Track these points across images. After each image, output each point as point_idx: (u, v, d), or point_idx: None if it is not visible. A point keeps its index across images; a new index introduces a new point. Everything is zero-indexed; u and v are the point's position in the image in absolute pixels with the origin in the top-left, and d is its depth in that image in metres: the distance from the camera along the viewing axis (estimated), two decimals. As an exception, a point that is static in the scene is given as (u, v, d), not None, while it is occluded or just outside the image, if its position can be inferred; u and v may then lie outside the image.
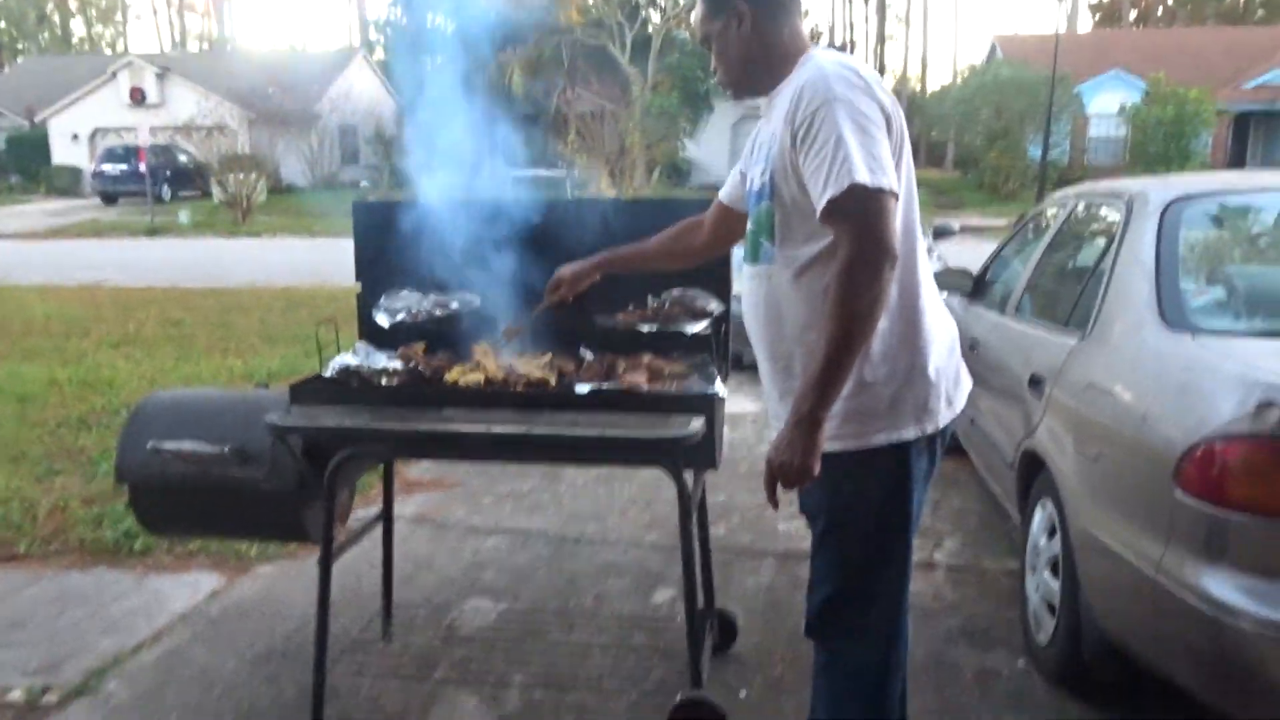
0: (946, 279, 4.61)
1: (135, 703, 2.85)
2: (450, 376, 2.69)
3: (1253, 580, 2.01)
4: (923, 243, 2.05)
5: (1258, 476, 2.01)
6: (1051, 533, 2.92)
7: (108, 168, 28.56)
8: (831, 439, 1.92)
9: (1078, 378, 2.83)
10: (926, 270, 2.04)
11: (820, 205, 1.80)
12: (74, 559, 3.89)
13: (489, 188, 3.18)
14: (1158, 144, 25.77)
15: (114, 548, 3.94)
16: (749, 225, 2.10)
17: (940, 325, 2.06)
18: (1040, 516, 3.05)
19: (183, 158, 28.96)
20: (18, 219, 24.59)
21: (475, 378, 2.67)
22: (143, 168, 24.81)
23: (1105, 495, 2.50)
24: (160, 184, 27.49)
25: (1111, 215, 3.24)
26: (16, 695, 2.88)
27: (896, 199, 1.82)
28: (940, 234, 8.73)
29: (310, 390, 2.65)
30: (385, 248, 3.05)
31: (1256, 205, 3.18)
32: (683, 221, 2.53)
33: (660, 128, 24.93)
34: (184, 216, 22.81)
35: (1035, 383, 3.16)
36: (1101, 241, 3.25)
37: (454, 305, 2.98)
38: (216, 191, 24.41)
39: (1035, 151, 24.94)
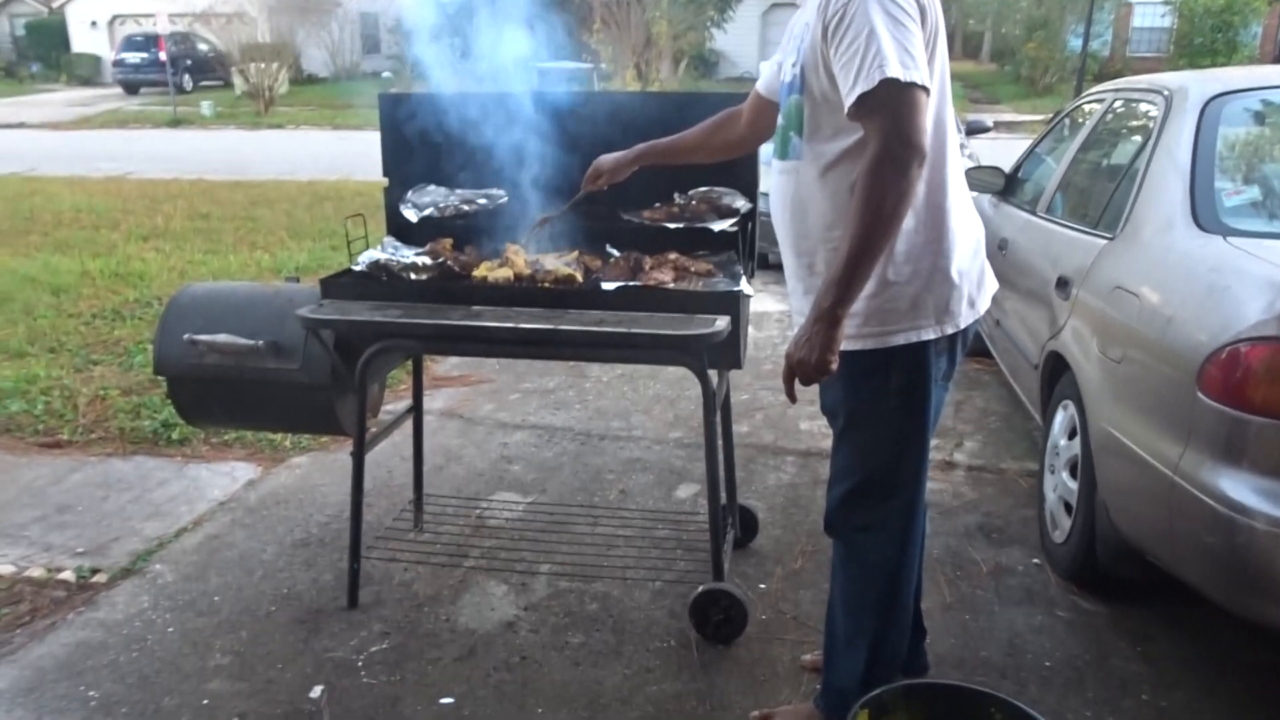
0: (977, 177, 4.54)
1: (180, 584, 2.98)
2: (478, 272, 2.71)
3: (1269, 482, 2.03)
4: (954, 140, 2.02)
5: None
6: (1072, 434, 2.94)
7: (128, 56, 28.27)
8: (852, 338, 1.94)
9: (1105, 279, 2.82)
10: (956, 169, 2.02)
11: (850, 100, 1.77)
12: (115, 446, 4.01)
13: (514, 80, 3.14)
14: (1204, 34, 24.82)
15: (153, 437, 4.06)
16: (779, 120, 2.07)
17: (966, 226, 2.04)
18: (1061, 418, 3.08)
19: (203, 46, 28.55)
20: (41, 109, 24.48)
21: (503, 274, 2.69)
22: (163, 56, 24.53)
23: (1127, 398, 2.52)
24: (181, 73, 27.21)
25: (1148, 112, 3.16)
26: (68, 575, 3.02)
27: (928, 95, 1.79)
28: (974, 130, 8.54)
29: (341, 284, 2.69)
30: (412, 141, 3.04)
31: (1301, 103, 3.08)
32: (721, 113, 2.48)
33: (688, 17, 24.23)
34: (206, 107, 22.63)
35: (1062, 284, 3.14)
36: (1137, 139, 3.18)
37: (481, 201, 2.99)
38: (238, 82, 24.14)
39: (1075, 42, 24.10)
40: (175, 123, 21.46)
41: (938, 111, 1.92)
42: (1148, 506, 2.37)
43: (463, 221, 2.96)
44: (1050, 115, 6.44)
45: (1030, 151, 4.54)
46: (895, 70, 1.72)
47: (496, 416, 4.44)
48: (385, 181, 3.08)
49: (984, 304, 2.09)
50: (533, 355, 3.01)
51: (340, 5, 30.02)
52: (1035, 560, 3.11)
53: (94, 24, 32.92)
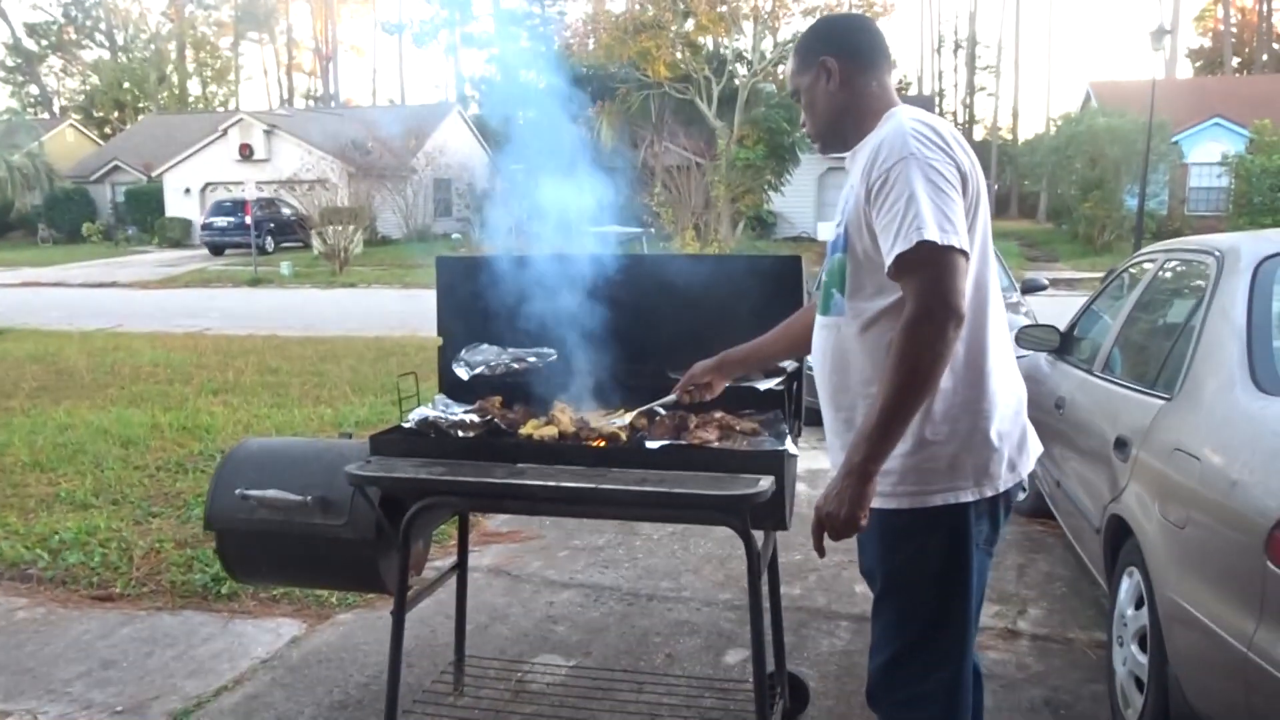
0: (1033, 335, 4.51)
1: (215, 745, 2.93)
2: (525, 430, 2.73)
3: (1352, 662, 1.90)
4: (997, 303, 2.02)
5: (1355, 551, 1.91)
6: (1139, 603, 2.80)
7: (216, 220, 30.00)
8: (888, 496, 1.92)
9: (1164, 440, 2.74)
10: (999, 330, 2.01)
11: (889, 260, 1.81)
12: (165, 600, 4.03)
13: (569, 244, 3.25)
14: (1263, 194, 24.85)
15: (203, 591, 4.08)
16: (823, 277, 2.11)
17: (1007, 387, 2.02)
18: (1127, 585, 2.94)
19: (286, 210, 30.19)
20: (132, 268, 25.89)
21: (549, 432, 2.71)
22: (248, 220, 25.97)
23: (1193, 565, 2.40)
24: (264, 235, 28.71)
25: (1201, 272, 3.14)
26: (105, 733, 2.98)
27: (967, 258, 1.81)
28: (1029, 289, 8.55)
29: (389, 441, 2.72)
30: (467, 302, 3.13)
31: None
32: (800, 310, 2.52)
33: (746, 180, 25.04)
34: (285, 267, 23.71)
35: (1121, 445, 3.06)
36: (1191, 299, 3.15)
37: (531, 359, 3.04)
38: (316, 243, 25.35)
39: (1131, 201, 24.29)
40: (255, 281, 22.49)
41: (979, 274, 1.94)
42: (1223, 684, 2.22)
43: (513, 380, 3.01)
44: (1106, 273, 6.44)
45: (1085, 309, 4.52)
46: (933, 234, 1.76)
47: (544, 574, 4.38)
48: (441, 340, 3.16)
49: (1025, 467, 2.05)
50: (576, 514, 3.00)
51: (416, 173, 31.73)
52: (1108, 740, 2.92)
53: (187, 191, 35.12)
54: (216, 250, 30.15)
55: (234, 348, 11.24)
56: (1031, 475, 4.90)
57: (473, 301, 3.11)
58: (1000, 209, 48.67)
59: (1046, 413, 4.23)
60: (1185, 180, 28.62)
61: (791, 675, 3.10)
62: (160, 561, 4.35)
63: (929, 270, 1.77)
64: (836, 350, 2.04)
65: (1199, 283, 3.13)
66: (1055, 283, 17.12)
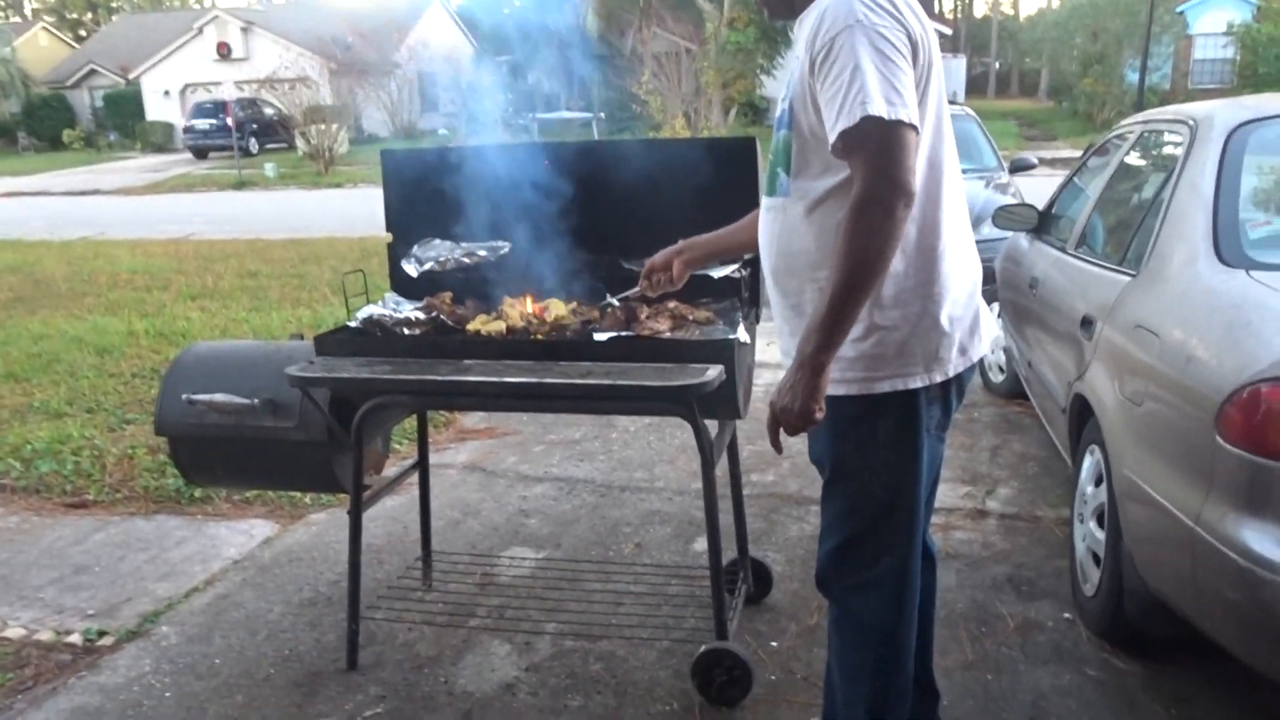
0: (1011, 214, 4.41)
1: (183, 645, 2.96)
2: (472, 326, 2.68)
3: (1295, 534, 1.88)
4: (953, 181, 1.92)
5: (1303, 424, 1.87)
6: (1099, 480, 2.79)
7: (198, 123, 29.39)
8: (837, 383, 1.85)
9: (1127, 317, 2.68)
10: (954, 211, 1.92)
11: (833, 136, 1.70)
12: (139, 505, 4.05)
13: (516, 133, 3.14)
14: (1269, 64, 24.22)
15: (176, 495, 4.09)
16: (768, 154, 2.01)
17: (960, 270, 1.94)
18: (1089, 463, 2.92)
19: (268, 111, 29.55)
20: (116, 175, 25.47)
21: (497, 327, 2.66)
22: (230, 122, 25.44)
23: (1148, 442, 2.37)
24: (247, 137, 28.18)
25: (1175, 143, 3.03)
26: (75, 638, 3.01)
27: (917, 133, 1.71)
28: (1018, 168, 8.35)
29: (334, 341, 2.67)
30: (415, 196, 3.04)
31: (1334, 128, 2.92)
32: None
33: (737, 65, 24.42)
34: (270, 169, 23.32)
35: (1087, 323, 3.00)
36: (1164, 171, 3.05)
37: (482, 253, 2.96)
38: (300, 143, 24.87)
39: (1133, 76, 23.71)
40: (240, 185, 22.14)
41: (933, 151, 1.84)
42: (1171, 558, 2.21)
43: (464, 275, 2.94)
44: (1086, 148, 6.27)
45: (1063, 187, 4.41)
46: (879, 108, 1.65)
47: (519, 469, 4.39)
48: (390, 237, 3.08)
49: (977, 351, 1.98)
50: (525, 409, 2.97)
51: (399, 67, 30.92)
52: (1066, 615, 2.94)
53: (166, 93, 34.34)
54: (200, 154, 29.64)
55: (215, 252, 11.12)
56: (1009, 357, 4.88)
57: (421, 196, 3.02)
58: (1001, 88, 47.65)
59: (1022, 293, 4.17)
60: (1189, 52, 27.89)
61: (756, 560, 3.11)
62: (134, 467, 4.35)
63: (875, 147, 1.67)
64: (783, 233, 1.95)
65: (1172, 153, 3.02)
66: (1052, 162, 16.83)
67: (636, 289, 2.56)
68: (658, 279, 2.52)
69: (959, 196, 1.94)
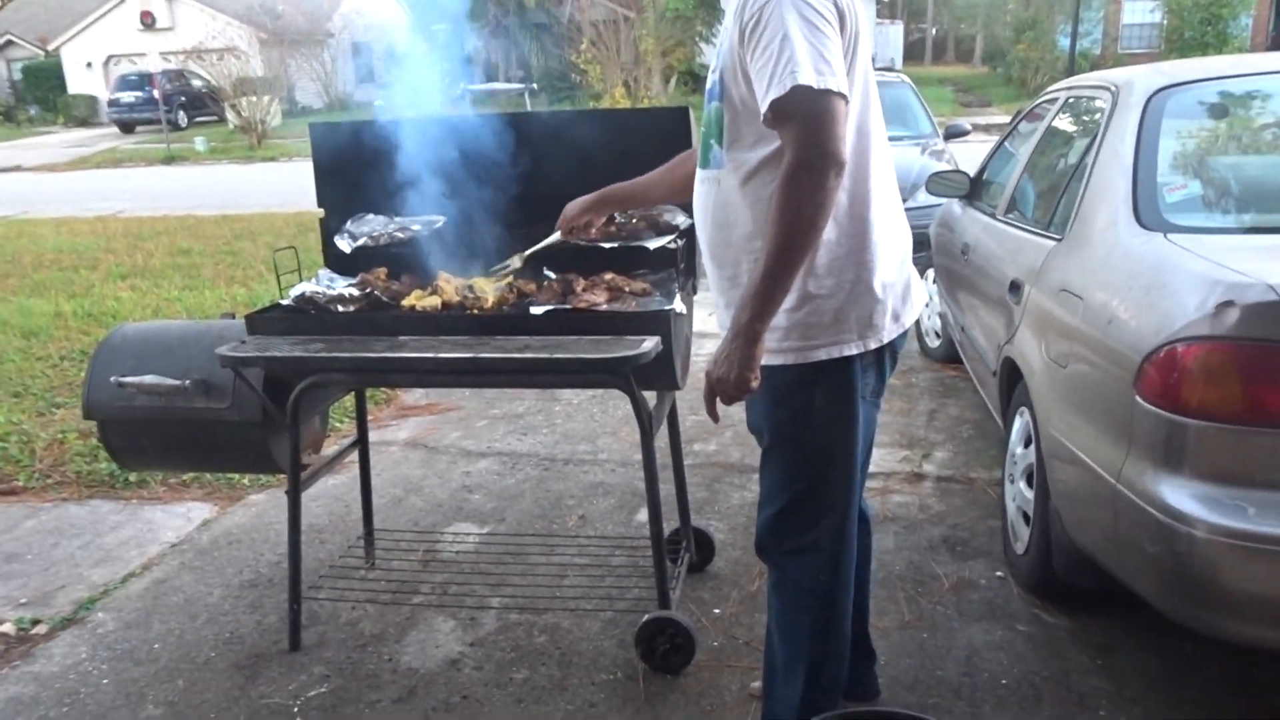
0: (943, 181, 4.48)
1: (120, 632, 2.91)
2: (407, 302, 2.65)
3: (1210, 488, 1.95)
4: (881, 149, 1.94)
5: (1216, 380, 1.94)
6: (1028, 442, 2.86)
7: (123, 95, 28.47)
8: (774, 352, 1.88)
9: (1053, 281, 2.74)
10: (882, 179, 1.94)
11: (764, 107, 1.71)
12: (71, 491, 3.96)
13: (447, 105, 3.10)
14: (1194, 28, 24.75)
15: (109, 480, 4.01)
16: (700, 126, 2.01)
17: (891, 237, 1.97)
18: (1019, 425, 3.00)
19: (197, 83, 28.73)
20: (38, 151, 24.63)
21: (432, 302, 2.63)
22: (156, 94, 24.69)
23: (1073, 402, 2.44)
24: (175, 110, 27.40)
25: (1098, 108, 3.09)
26: (7, 627, 2.95)
27: (846, 102, 1.72)
28: (952, 134, 8.46)
29: (266, 320, 2.63)
30: (346, 170, 2.99)
31: (1248, 91, 3.01)
32: (682, 153, 2.43)
33: (676, 33, 24.27)
34: (200, 143, 22.72)
35: (1015, 287, 3.07)
36: (1087, 136, 3.11)
37: (416, 227, 2.93)
38: (231, 116, 24.26)
39: (1065, 41, 24.06)
40: (169, 159, 21.55)
41: (860, 119, 1.86)
42: (1095, 515, 2.29)
43: (399, 250, 2.90)
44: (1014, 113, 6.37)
45: (993, 153, 4.47)
46: (808, 77, 1.66)
47: (461, 445, 4.37)
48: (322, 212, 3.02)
49: (910, 318, 2.02)
50: (463, 384, 2.96)
51: (332, 36, 30.23)
52: (999, 573, 3.02)
53: (89, 65, 33.19)
54: (127, 128, 28.76)
55: (144, 230, 10.82)
56: (944, 323, 4.96)
57: (353, 170, 2.97)
58: (937, 54, 48.04)
59: (954, 259, 4.24)
60: (1119, 17, 28.36)
61: (698, 529, 3.14)
62: (65, 452, 4.25)
63: (805, 116, 1.68)
64: (718, 205, 1.96)
65: (1095, 119, 3.09)
66: (987, 128, 17.04)
67: (555, 236, 2.57)
68: (575, 228, 2.54)
69: (888, 164, 1.96)
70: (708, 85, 1.96)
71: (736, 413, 2.10)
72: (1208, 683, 2.46)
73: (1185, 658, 2.55)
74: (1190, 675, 2.49)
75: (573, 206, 2.54)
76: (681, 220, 2.76)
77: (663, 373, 2.51)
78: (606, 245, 2.71)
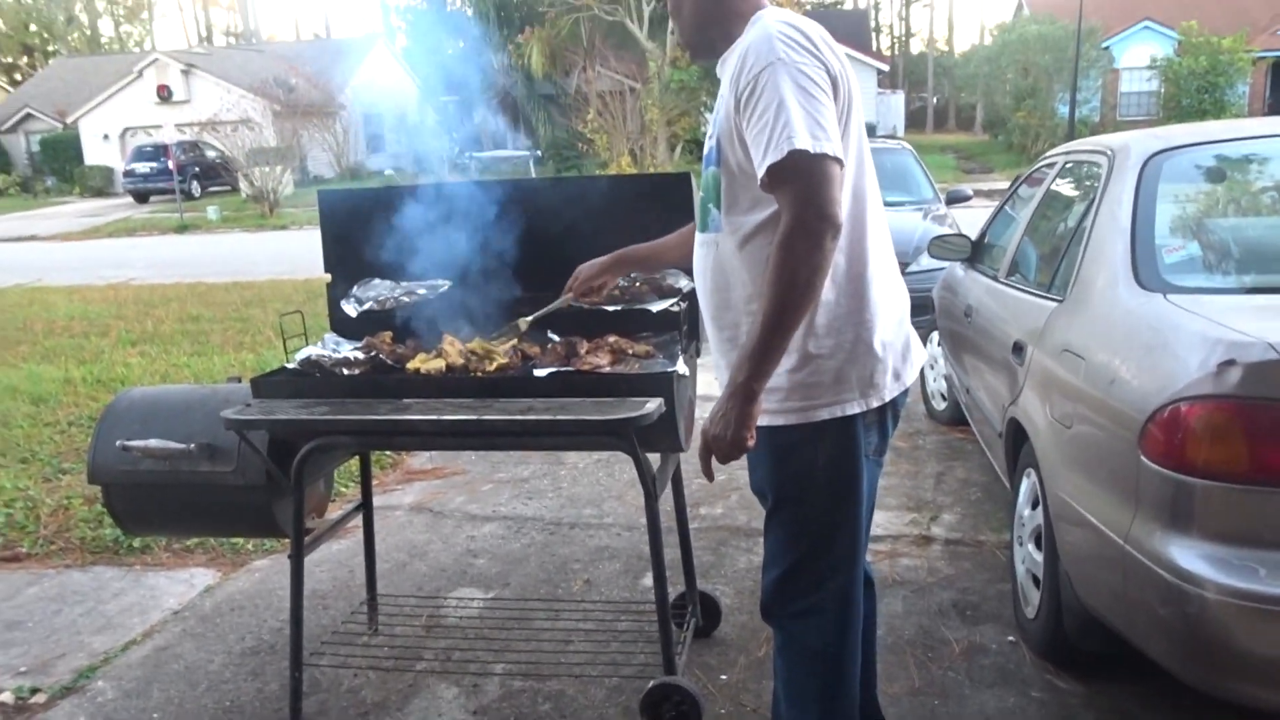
0: (945, 244, 4.52)
1: (120, 701, 2.88)
2: (411, 365, 2.67)
3: (1219, 549, 1.93)
4: (876, 211, 1.97)
5: (1220, 439, 1.93)
6: (1035, 503, 2.84)
7: (138, 166, 28.98)
8: (775, 413, 1.89)
9: (1055, 342, 2.75)
10: (879, 240, 1.97)
11: (761, 171, 1.74)
12: (75, 557, 3.94)
13: (460, 172, 3.15)
14: (1191, 96, 25.13)
15: (113, 546, 3.99)
16: (699, 191, 2.05)
17: (889, 297, 1.99)
18: (1026, 486, 2.98)
19: (211, 153, 29.24)
20: (53, 221, 25.00)
21: (436, 365, 2.64)
22: (171, 165, 25.12)
23: (1079, 463, 2.43)
24: (189, 180, 27.86)
25: (1095, 172, 3.13)
26: (6, 696, 2.92)
27: (841, 166, 1.76)
28: (954, 200, 8.55)
29: (272, 383, 2.64)
30: (353, 236, 3.03)
31: (1243, 155, 3.05)
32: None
33: (680, 102, 24.69)
34: (213, 212, 23.04)
35: (1018, 349, 3.07)
36: (1085, 199, 3.15)
37: (421, 291, 2.96)
38: (244, 185, 24.62)
39: (1064, 109, 24.43)
40: (182, 228, 21.85)
41: (856, 183, 1.89)
42: (1105, 577, 2.26)
43: (405, 314, 2.93)
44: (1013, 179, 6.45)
45: (994, 217, 4.52)
46: (804, 141, 1.70)
47: (466, 509, 4.35)
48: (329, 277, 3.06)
49: (910, 376, 2.02)
50: (466, 447, 2.95)
51: (344, 108, 30.82)
52: (1010, 638, 2.98)
53: (106, 137, 33.86)
54: (141, 198, 29.21)
55: (155, 297, 10.93)
56: (950, 385, 4.95)
57: (359, 236, 3.01)
58: (938, 123, 48.75)
59: (958, 321, 4.26)
60: (1116, 86, 28.82)
61: (704, 594, 3.11)
62: (69, 518, 4.24)
63: (802, 180, 1.71)
64: (716, 267, 1.99)
65: (1092, 183, 3.12)
66: (989, 194, 17.21)
67: (563, 299, 2.59)
68: (589, 291, 2.55)
69: (883, 226, 1.99)
70: (705, 150, 2.01)
71: (742, 476, 2.10)
72: (1225, 750, 2.41)
73: (1201, 724, 2.50)
74: (1207, 742, 2.44)
75: (588, 267, 2.55)
76: (684, 283, 2.78)
77: (666, 434, 2.51)
78: (610, 308, 2.74)
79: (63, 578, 3.78)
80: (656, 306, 2.72)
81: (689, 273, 2.77)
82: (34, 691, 2.94)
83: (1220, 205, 2.88)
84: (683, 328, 2.75)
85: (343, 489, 4.51)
